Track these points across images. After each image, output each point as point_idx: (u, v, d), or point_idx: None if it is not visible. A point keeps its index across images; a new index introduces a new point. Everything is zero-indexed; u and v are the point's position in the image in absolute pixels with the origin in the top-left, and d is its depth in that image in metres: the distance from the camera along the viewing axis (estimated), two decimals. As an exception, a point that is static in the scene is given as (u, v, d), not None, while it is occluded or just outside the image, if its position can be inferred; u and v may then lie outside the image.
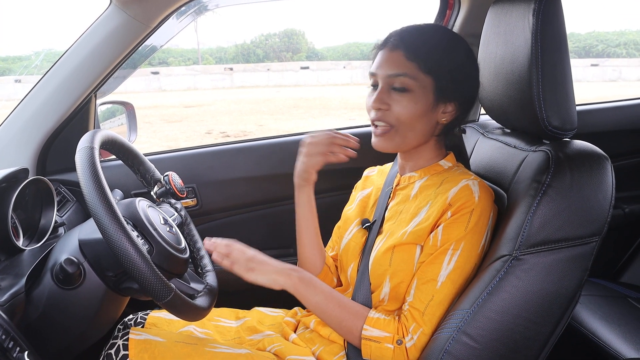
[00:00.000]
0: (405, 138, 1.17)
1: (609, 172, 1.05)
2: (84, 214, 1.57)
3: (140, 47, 1.55)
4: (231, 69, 20.93)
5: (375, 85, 1.18)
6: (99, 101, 1.67)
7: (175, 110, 13.44)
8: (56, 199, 1.37)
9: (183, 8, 1.54)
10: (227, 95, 16.60)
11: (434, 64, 1.13)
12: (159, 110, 13.40)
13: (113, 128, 1.84)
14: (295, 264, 1.40)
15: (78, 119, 1.59)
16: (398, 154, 1.27)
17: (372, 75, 1.19)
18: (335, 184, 1.84)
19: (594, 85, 16.38)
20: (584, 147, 1.09)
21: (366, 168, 1.46)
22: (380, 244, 1.18)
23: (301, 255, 1.36)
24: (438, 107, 1.16)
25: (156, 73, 19.78)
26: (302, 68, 21.18)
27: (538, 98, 1.08)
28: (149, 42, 1.57)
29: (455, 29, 1.75)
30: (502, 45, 1.19)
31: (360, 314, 1.13)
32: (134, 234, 1.04)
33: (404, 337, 1.08)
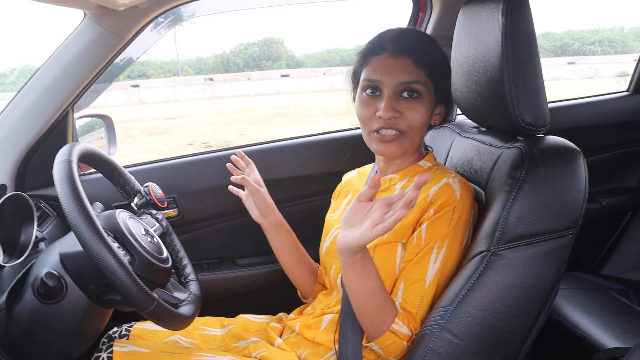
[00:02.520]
0: (412, 143, 1.19)
1: (581, 165, 1.07)
2: (65, 228, 1.56)
3: (116, 60, 1.55)
4: (211, 79, 20.89)
5: (373, 92, 1.17)
6: (76, 115, 1.66)
7: (156, 123, 13.37)
8: (36, 215, 1.36)
9: (159, 19, 1.54)
10: (208, 105, 16.56)
11: (436, 69, 1.18)
12: (140, 123, 13.32)
13: (92, 142, 1.84)
14: (280, 271, 1.42)
15: (56, 133, 1.58)
16: (378, 156, 1.28)
17: (373, 81, 1.17)
18: (314, 189, 1.85)
19: (571, 82, 16.61)
20: (557, 142, 1.11)
21: (344, 171, 1.47)
22: None
23: (290, 277, 1.42)
24: (435, 109, 1.21)
25: (136, 86, 19.67)
26: (283, 76, 21.22)
27: (510, 96, 1.10)
28: (126, 54, 1.57)
29: (428, 31, 1.77)
30: (473, 45, 1.21)
31: (395, 308, 1.09)
32: (115, 245, 1.04)
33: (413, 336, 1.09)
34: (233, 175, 1.34)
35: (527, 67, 1.11)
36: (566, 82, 16.81)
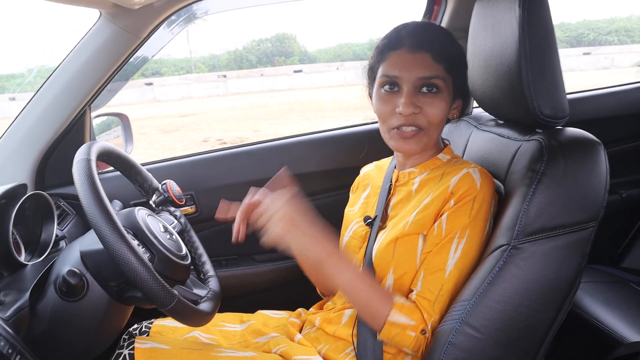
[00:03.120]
0: (432, 138, 1.19)
1: (602, 157, 1.06)
2: (84, 226, 1.57)
3: (131, 58, 1.56)
4: (224, 76, 20.96)
5: (391, 88, 1.16)
6: (93, 114, 1.67)
7: (170, 120, 13.44)
8: (56, 213, 1.37)
9: (173, 17, 1.55)
10: (222, 102, 16.61)
11: (455, 64, 1.17)
12: (154, 120, 13.40)
13: (109, 140, 1.85)
14: (298, 267, 1.41)
15: (74, 133, 1.60)
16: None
17: (391, 77, 1.16)
18: (333, 184, 1.85)
19: (587, 73, 16.41)
20: (577, 134, 1.10)
21: (361, 166, 1.47)
22: (382, 237, 1.18)
23: (313, 281, 1.41)
24: (453, 104, 1.20)
25: (150, 84, 19.79)
26: (296, 72, 21.21)
27: (528, 88, 1.08)
28: (140, 52, 1.58)
29: (443, 23, 1.76)
30: (490, 38, 1.20)
31: (388, 298, 1.10)
32: (135, 242, 1.05)
33: (427, 326, 1.08)
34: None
35: (545, 59, 1.10)
36: (582, 73, 16.62)
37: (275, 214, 1.03)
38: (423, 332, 1.08)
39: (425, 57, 1.14)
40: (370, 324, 1.12)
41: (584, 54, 20.47)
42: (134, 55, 1.56)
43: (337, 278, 1.08)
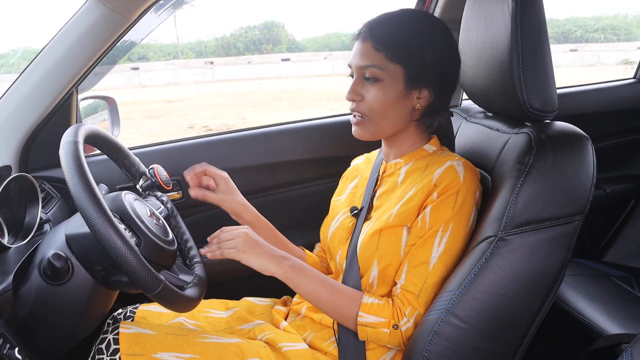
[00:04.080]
0: (379, 126, 1.18)
1: (590, 152, 1.07)
2: (69, 210, 1.55)
3: (119, 42, 1.54)
4: (212, 62, 20.80)
5: (351, 76, 1.20)
6: (80, 96, 1.65)
7: (156, 106, 13.33)
8: (40, 196, 1.35)
9: (161, 1, 1.52)
10: (209, 89, 16.50)
11: (402, 51, 1.14)
12: (140, 106, 13.28)
13: (96, 124, 1.83)
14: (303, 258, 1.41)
15: (60, 115, 1.57)
16: (382, 141, 1.28)
17: (349, 66, 1.21)
18: (323, 172, 1.85)
19: (573, 70, 16.53)
20: (565, 128, 1.11)
21: (353, 155, 1.47)
22: (367, 229, 1.19)
23: None
24: (411, 93, 1.17)
25: (136, 69, 19.58)
26: (283, 60, 21.12)
27: (519, 81, 1.09)
28: (128, 36, 1.56)
29: (436, 14, 1.75)
30: (482, 30, 1.20)
31: (354, 299, 1.14)
32: (122, 227, 1.04)
33: (399, 321, 1.10)
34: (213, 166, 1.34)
35: (536, 52, 1.10)
36: (568, 69, 16.74)
37: (234, 237, 1.14)
38: (395, 327, 1.10)
39: (367, 46, 1.15)
40: (345, 326, 1.16)
41: (571, 50, 20.60)
42: (122, 39, 1.54)
43: (300, 290, 1.15)
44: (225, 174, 1.34)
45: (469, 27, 1.27)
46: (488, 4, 1.18)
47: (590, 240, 2.12)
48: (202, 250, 1.18)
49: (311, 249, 1.49)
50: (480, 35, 1.20)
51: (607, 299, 1.58)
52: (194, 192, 1.30)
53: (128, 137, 8.89)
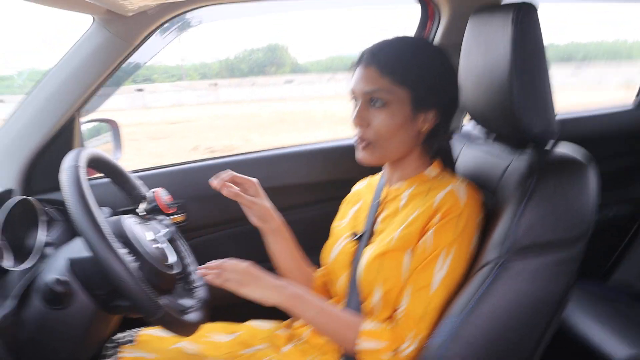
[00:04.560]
0: (387, 151, 1.18)
1: (591, 175, 1.07)
2: (72, 233, 1.55)
3: (124, 65, 1.55)
4: (216, 84, 20.91)
5: (354, 102, 1.20)
6: (83, 119, 1.66)
7: (160, 127, 13.37)
8: (43, 219, 1.36)
9: (166, 24, 1.54)
10: (213, 110, 16.56)
11: (408, 75, 1.15)
12: (144, 127, 13.32)
13: (98, 146, 1.84)
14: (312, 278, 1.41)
15: (62, 138, 1.58)
16: (385, 165, 1.28)
17: (351, 92, 1.21)
18: (324, 196, 1.84)
19: (576, 91, 16.57)
20: (567, 152, 1.11)
21: (355, 179, 1.47)
22: (369, 253, 1.19)
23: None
24: (417, 116, 1.17)
25: (140, 90, 19.68)
26: (287, 82, 21.21)
27: (519, 105, 1.09)
28: (133, 59, 1.57)
29: (437, 39, 1.77)
30: (482, 54, 1.21)
31: (353, 326, 1.13)
32: (123, 251, 1.04)
33: (400, 345, 1.09)
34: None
35: (535, 77, 1.11)
36: (571, 90, 16.78)
37: (236, 270, 1.15)
38: (396, 352, 1.09)
39: (371, 71, 1.16)
40: (347, 351, 1.16)
41: (573, 71, 20.66)
42: (127, 61, 1.56)
43: (301, 317, 1.16)
44: (255, 180, 1.32)
45: (469, 52, 1.27)
46: (488, 29, 1.19)
47: (596, 262, 2.10)
48: (201, 271, 1.17)
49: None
50: (481, 59, 1.21)
51: (614, 323, 1.56)
52: (226, 190, 1.25)
53: (131, 159, 8.89)
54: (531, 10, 1.11)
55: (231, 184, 1.27)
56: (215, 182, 1.25)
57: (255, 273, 1.16)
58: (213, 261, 1.18)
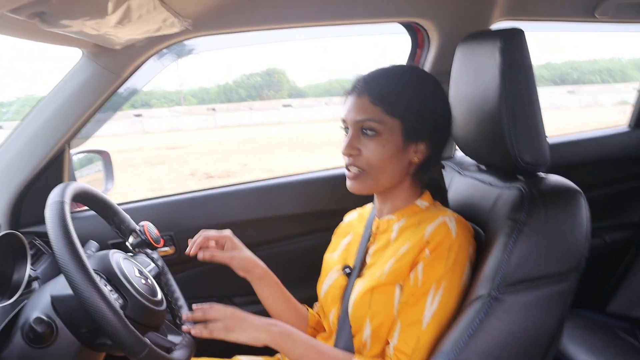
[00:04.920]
0: (377, 180, 1.17)
1: (583, 206, 1.05)
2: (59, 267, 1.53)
3: (120, 90, 1.55)
4: (214, 109, 21.02)
5: (345, 130, 1.20)
6: (73, 151, 1.65)
7: (158, 152, 13.41)
8: (30, 253, 1.34)
9: (163, 50, 1.55)
10: (211, 135, 16.62)
11: (400, 106, 1.14)
12: (142, 152, 13.36)
13: (90, 175, 1.83)
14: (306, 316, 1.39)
15: (52, 170, 1.57)
16: (375, 196, 1.27)
17: (343, 120, 1.20)
18: (315, 227, 1.83)
19: (571, 111, 16.67)
20: (558, 182, 1.10)
21: (346, 210, 1.45)
22: (359, 287, 1.17)
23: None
24: (409, 147, 1.16)
25: (139, 115, 19.79)
26: (285, 106, 21.33)
27: (509, 134, 1.09)
28: (129, 84, 1.58)
29: (427, 67, 1.77)
30: (471, 83, 1.20)
31: None
32: (107, 288, 1.03)
33: None
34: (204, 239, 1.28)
35: (525, 105, 1.10)
36: (566, 110, 16.87)
37: (221, 317, 1.12)
38: None
39: (364, 101, 1.15)
40: None
41: (569, 92, 20.81)
42: (123, 87, 1.56)
43: (290, 355, 1.14)
44: (227, 232, 1.31)
45: (458, 80, 1.27)
46: (477, 57, 1.19)
47: (591, 290, 2.07)
48: (186, 328, 1.14)
49: (306, 304, 1.46)
50: (470, 87, 1.21)
51: (612, 353, 1.54)
52: (201, 254, 1.25)
53: (129, 185, 8.90)
54: (519, 35, 1.11)
55: (203, 249, 1.27)
56: (190, 249, 1.26)
57: (240, 316, 1.13)
58: (196, 306, 1.15)
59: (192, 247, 1.25)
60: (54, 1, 0.84)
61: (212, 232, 1.29)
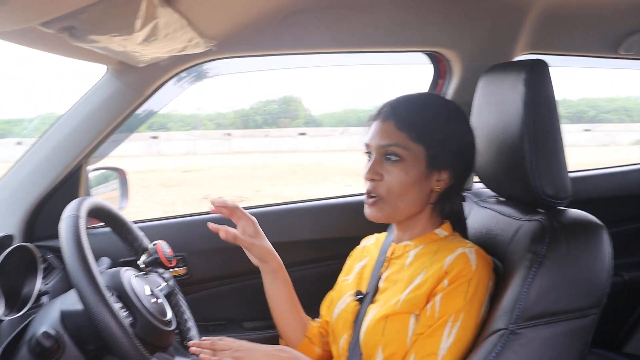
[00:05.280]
0: (396, 208, 1.15)
1: (605, 241, 1.03)
2: (70, 282, 1.53)
3: (138, 111, 1.56)
4: (229, 134, 21.20)
5: (368, 155, 1.19)
6: (90, 167, 1.66)
7: (173, 175, 13.49)
8: (41, 267, 1.33)
9: (182, 74, 1.56)
10: (225, 160, 16.72)
11: (425, 132, 1.13)
12: (157, 174, 13.45)
13: (106, 192, 1.83)
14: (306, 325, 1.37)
15: (68, 185, 1.58)
16: (394, 224, 1.25)
17: (367, 145, 1.19)
18: (331, 253, 1.81)
19: (588, 149, 16.58)
20: (579, 216, 1.07)
21: (362, 237, 1.44)
22: (373, 313, 1.14)
23: (278, 326, 1.35)
24: (431, 175, 1.15)
25: (155, 137, 20.00)
26: (300, 134, 21.45)
27: (531, 167, 1.07)
28: (147, 106, 1.59)
29: (448, 97, 1.76)
30: (494, 114, 1.19)
31: None
32: (117, 305, 1.01)
33: None
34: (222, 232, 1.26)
35: (548, 138, 1.09)
36: (583, 149, 16.79)
37: (231, 348, 1.12)
38: None
39: (389, 126, 1.15)
40: None
41: (585, 130, 20.74)
42: (141, 109, 1.57)
43: None
44: (254, 219, 1.29)
45: (480, 111, 1.26)
46: (500, 89, 1.18)
47: (610, 329, 2.02)
48: (194, 350, 1.12)
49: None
50: (492, 119, 1.20)
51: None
52: (224, 233, 1.24)
53: (142, 206, 8.93)
54: (543, 67, 1.10)
55: (227, 228, 1.25)
56: (217, 204, 1.24)
57: (248, 346, 1.13)
58: (205, 339, 1.15)
59: (218, 204, 1.25)
60: (84, 16, 0.85)
61: (242, 210, 1.28)
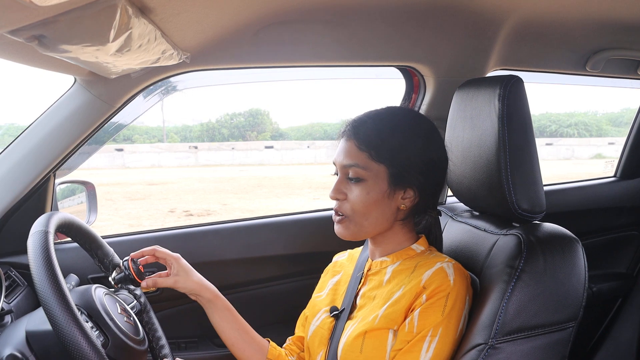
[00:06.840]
0: (361, 226, 1.15)
1: (580, 255, 1.04)
2: (35, 300, 1.47)
3: (101, 128, 1.52)
4: (196, 147, 21.01)
5: (335, 173, 1.18)
6: (58, 180, 1.61)
7: (138, 188, 13.29)
8: (4, 284, 1.28)
9: (151, 87, 1.53)
10: (192, 173, 16.56)
11: (386, 152, 1.12)
12: (121, 187, 13.23)
13: (72, 206, 1.78)
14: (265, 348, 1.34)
15: (35, 199, 1.52)
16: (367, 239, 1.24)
17: (333, 163, 1.19)
18: (303, 268, 1.79)
19: (550, 163, 17.00)
20: (555, 230, 1.08)
21: (334, 252, 1.42)
22: (350, 330, 1.13)
23: (235, 355, 1.32)
24: (395, 193, 1.13)
25: (120, 150, 19.69)
26: (267, 147, 21.41)
27: (507, 182, 1.08)
28: (116, 119, 1.55)
29: (422, 112, 1.77)
30: (468, 129, 1.20)
31: None
32: (88, 325, 0.98)
33: None
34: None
35: (523, 153, 1.10)
36: (545, 162, 17.20)
37: None
38: None
39: (351, 145, 1.14)
40: None
41: (547, 144, 21.28)
42: (111, 121, 1.53)
43: None
44: (176, 255, 1.28)
45: (455, 126, 1.27)
46: (475, 104, 1.19)
47: (579, 341, 2.05)
48: None
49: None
50: (467, 134, 1.20)
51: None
52: (144, 283, 1.22)
53: (107, 219, 8.76)
54: (518, 83, 1.11)
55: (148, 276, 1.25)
56: (135, 255, 1.25)
57: None
58: None
59: (135, 255, 1.25)
60: (55, 25, 0.82)
61: (161, 250, 1.27)
